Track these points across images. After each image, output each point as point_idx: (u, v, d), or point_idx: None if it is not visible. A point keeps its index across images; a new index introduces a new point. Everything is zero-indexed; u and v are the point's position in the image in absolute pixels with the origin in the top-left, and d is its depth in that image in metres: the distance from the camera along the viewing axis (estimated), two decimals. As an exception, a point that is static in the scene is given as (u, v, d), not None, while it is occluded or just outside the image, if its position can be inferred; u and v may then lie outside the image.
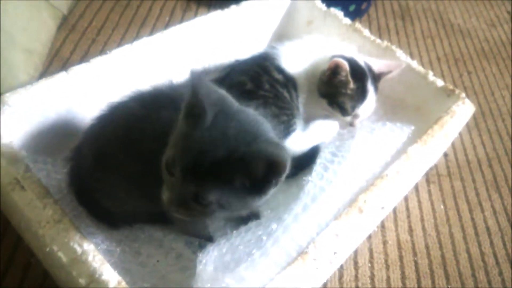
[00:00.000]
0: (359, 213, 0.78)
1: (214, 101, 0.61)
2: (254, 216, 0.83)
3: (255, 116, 0.67)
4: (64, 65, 1.26)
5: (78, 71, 0.92)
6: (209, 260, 0.67)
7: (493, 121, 1.42)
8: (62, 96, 0.90)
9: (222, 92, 0.65)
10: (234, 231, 0.73)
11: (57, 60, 1.27)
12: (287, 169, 0.59)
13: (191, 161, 0.58)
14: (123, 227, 0.86)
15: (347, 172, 0.83)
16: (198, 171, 0.58)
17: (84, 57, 1.30)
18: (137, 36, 1.40)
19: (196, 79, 0.59)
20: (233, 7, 1.17)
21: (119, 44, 1.31)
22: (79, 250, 0.66)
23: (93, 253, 0.66)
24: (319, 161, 0.84)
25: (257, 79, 1.02)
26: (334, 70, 1.02)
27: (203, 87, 0.59)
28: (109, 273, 0.64)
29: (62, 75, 0.90)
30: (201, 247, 0.81)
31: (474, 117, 1.37)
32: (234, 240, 0.71)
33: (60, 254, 0.66)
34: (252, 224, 0.74)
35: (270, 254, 0.68)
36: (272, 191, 0.64)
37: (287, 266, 0.68)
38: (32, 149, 0.85)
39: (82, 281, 0.64)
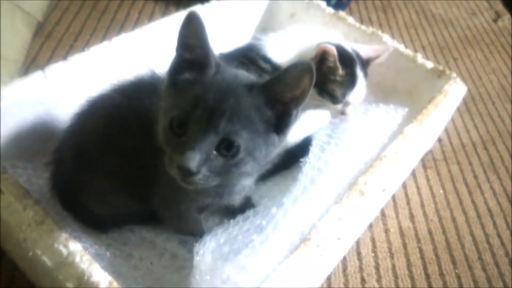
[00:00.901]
0: (360, 195, 0.74)
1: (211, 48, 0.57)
2: (249, 205, 0.79)
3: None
4: (41, 72, 1.21)
5: (55, 70, 0.87)
6: (206, 251, 0.62)
7: (484, 105, 1.41)
8: (39, 97, 0.85)
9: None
10: (232, 220, 0.68)
11: (33, 67, 1.22)
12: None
13: (210, 106, 0.53)
14: (111, 230, 0.81)
15: (344, 154, 0.80)
16: (219, 115, 0.53)
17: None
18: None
19: (194, 18, 0.54)
20: (214, 1, 1.14)
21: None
22: (64, 252, 0.60)
23: (80, 253, 0.60)
24: (315, 143, 0.80)
25: (244, 70, 0.98)
26: (321, 57, 0.99)
27: (202, 31, 0.55)
28: (99, 274, 0.59)
29: (38, 74, 0.85)
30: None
31: (465, 101, 1.35)
32: (232, 230, 0.66)
33: (45, 258, 0.60)
34: (250, 212, 0.70)
35: (271, 241, 0.63)
36: (289, 132, 0.60)
37: (290, 254, 0.63)
38: (10, 154, 0.80)
39: (69, 285, 0.59)
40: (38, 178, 0.85)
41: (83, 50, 1.29)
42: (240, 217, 0.69)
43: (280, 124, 0.59)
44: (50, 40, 1.31)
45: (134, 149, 0.68)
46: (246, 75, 0.61)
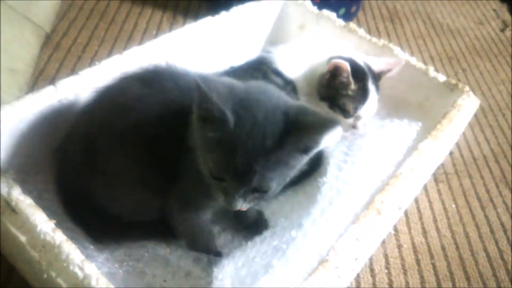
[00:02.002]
0: (377, 214, 0.73)
1: (227, 95, 0.56)
2: (263, 221, 0.78)
3: (267, 87, 0.63)
4: (50, 84, 1.20)
5: (66, 84, 0.86)
6: (225, 276, 0.61)
7: (494, 117, 1.40)
8: (51, 111, 0.84)
9: (228, 81, 0.61)
10: (249, 242, 0.67)
11: (42, 79, 1.21)
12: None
13: (240, 163, 0.56)
14: (122, 243, 0.79)
15: (361, 172, 0.79)
16: (251, 176, 0.56)
17: (71, 75, 1.24)
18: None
19: (203, 82, 0.54)
20: (224, 13, 1.13)
21: (107, 60, 1.26)
22: (80, 274, 0.59)
23: (96, 276, 0.59)
24: (332, 161, 0.79)
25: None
26: (333, 72, 0.98)
27: (212, 88, 0.55)
28: (115, 297, 0.58)
29: (49, 89, 0.84)
30: (211, 263, 0.75)
31: (475, 113, 1.33)
32: (250, 252, 0.65)
33: (60, 280, 0.59)
34: (267, 233, 0.68)
35: (290, 264, 0.62)
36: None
37: (309, 277, 0.62)
38: (20, 168, 0.79)
39: (85, 308, 0.58)
40: (49, 192, 0.83)
41: (91, 61, 1.31)
42: (257, 238, 0.67)
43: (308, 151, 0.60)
44: (58, 52, 1.30)
45: (155, 142, 0.67)
46: (263, 106, 0.59)
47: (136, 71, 0.76)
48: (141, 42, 1.40)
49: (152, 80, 0.71)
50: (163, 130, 0.65)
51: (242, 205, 0.59)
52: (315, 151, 0.61)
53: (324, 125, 0.56)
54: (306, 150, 0.59)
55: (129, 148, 0.68)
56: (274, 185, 0.59)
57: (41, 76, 1.22)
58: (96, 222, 0.77)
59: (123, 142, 0.68)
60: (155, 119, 0.66)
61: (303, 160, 0.61)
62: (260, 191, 0.59)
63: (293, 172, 0.61)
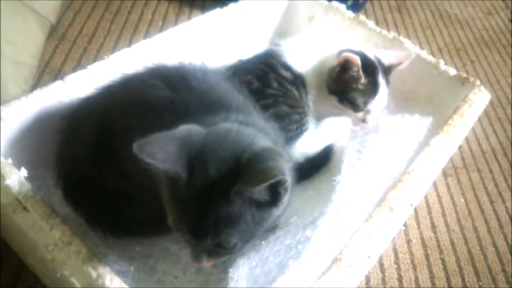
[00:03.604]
0: (390, 212, 0.72)
1: (179, 151, 0.53)
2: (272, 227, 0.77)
3: (230, 132, 0.58)
4: (56, 76, 1.19)
5: (74, 79, 0.85)
6: (240, 276, 0.61)
7: (502, 109, 1.39)
8: (59, 106, 0.84)
9: (183, 133, 0.56)
10: (263, 242, 0.66)
11: (48, 71, 1.20)
12: (286, 176, 0.53)
13: (193, 220, 0.54)
14: (131, 236, 0.78)
15: (374, 169, 0.78)
16: (206, 226, 0.54)
17: (77, 67, 1.23)
18: (131, 43, 1.33)
19: (140, 148, 0.51)
20: (232, 5, 1.12)
21: (113, 52, 1.24)
22: (94, 274, 0.59)
23: (110, 275, 0.59)
24: (346, 159, 0.79)
25: (264, 78, 0.96)
26: (344, 66, 0.97)
27: (155, 151, 0.51)
28: (129, 297, 0.58)
29: (58, 84, 0.84)
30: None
31: (484, 106, 1.33)
32: (264, 251, 0.65)
33: (73, 279, 0.59)
34: (280, 232, 0.68)
35: (305, 263, 0.62)
36: (286, 198, 0.58)
37: (322, 275, 0.62)
38: (29, 164, 0.78)
39: (99, 307, 0.58)
40: (58, 188, 0.83)
41: (97, 52, 1.29)
42: (271, 238, 0.67)
43: (272, 200, 0.57)
44: (64, 43, 1.29)
45: None
46: (217, 156, 0.55)
47: (164, 66, 0.73)
48: (147, 33, 1.39)
49: (176, 84, 0.68)
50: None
51: (206, 260, 0.57)
52: (281, 200, 0.57)
53: (263, 178, 0.51)
54: (259, 204, 0.55)
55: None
56: (236, 242, 0.56)
57: (47, 68, 1.21)
58: (102, 214, 0.77)
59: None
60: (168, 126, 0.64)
61: (271, 211, 0.57)
62: (224, 248, 0.56)
63: (260, 227, 0.57)
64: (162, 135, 0.54)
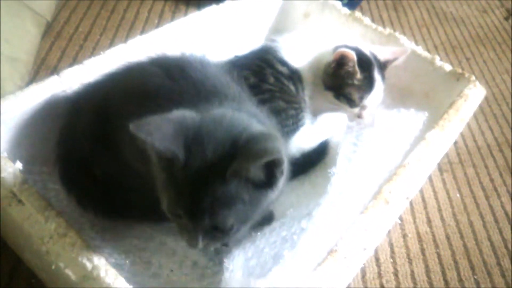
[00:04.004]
0: (386, 204, 0.73)
1: (175, 132, 0.54)
2: (271, 217, 0.77)
3: (224, 116, 0.59)
4: (52, 73, 1.17)
5: (70, 74, 0.85)
6: (236, 267, 0.61)
7: (498, 106, 1.40)
8: (55, 101, 0.84)
9: (177, 116, 0.57)
10: (259, 233, 0.67)
11: (44, 68, 1.20)
12: (284, 157, 0.54)
13: (189, 202, 0.54)
14: (122, 219, 0.79)
15: (369, 162, 0.78)
16: (203, 207, 0.54)
17: (73, 64, 1.22)
18: (127, 40, 1.32)
19: (137, 128, 0.51)
20: (228, 1, 1.12)
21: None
22: (89, 265, 0.59)
23: (105, 267, 0.59)
24: (341, 152, 0.79)
25: (261, 73, 0.97)
26: (339, 61, 0.98)
27: (152, 131, 0.52)
28: (124, 288, 0.58)
29: (53, 79, 0.84)
30: (218, 253, 0.75)
31: (479, 102, 1.34)
32: (259, 242, 0.65)
33: (68, 271, 0.59)
34: (276, 224, 0.68)
35: (300, 254, 0.62)
36: (282, 181, 0.59)
37: (318, 267, 0.62)
38: (25, 159, 0.78)
39: (94, 299, 0.58)
40: (55, 183, 0.83)
41: (93, 50, 1.29)
42: (266, 229, 0.67)
43: (268, 182, 0.57)
44: (60, 40, 1.29)
45: None
46: (214, 139, 0.55)
47: (165, 56, 0.74)
48: (143, 31, 1.39)
49: (175, 73, 0.69)
50: None
51: (203, 245, 0.57)
52: (277, 183, 0.57)
53: (260, 155, 0.52)
54: (260, 183, 0.56)
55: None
56: (233, 224, 0.56)
57: (42, 65, 1.21)
58: (95, 196, 0.77)
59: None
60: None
61: (267, 194, 0.58)
62: (221, 230, 0.56)
63: (257, 209, 0.58)
64: (158, 117, 0.54)
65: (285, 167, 0.56)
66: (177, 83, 0.67)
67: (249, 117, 0.61)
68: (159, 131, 0.52)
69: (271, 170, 0.55)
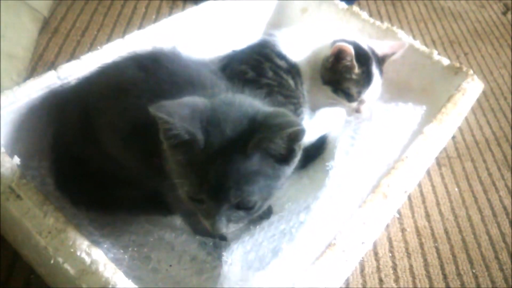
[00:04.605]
0: (384, 198, 0.73)
1: (191, 115, 0.54)
2: (269, 211, 0.77)
3: (234, 98, 0.61)
4: (49, 69, 1.18)
5: (67, 69, 0.85)
6: (235, 260, 0.61)
7: (496, 100, 1.40)
8: (52, 96, 0.83)
9: (190, 101, 0.58)
10: (258, 227, 0.67)
11: (41, 64, 1.20)
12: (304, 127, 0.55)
13: (213, 182, 0.54)
14: (113, 212, 0.79)
15: (367, 156, 0.78)
16: (227, 190, 0.54)
17: (70, 60, 1.22)
18: (125, 36, 1.32)
19: (158, 109, 0.52)
20: (226, -4, 1.12)
21: (106, 45, 1.24)
22: (87, 260, 0.59)
23: (104, 261, 0.59)
24: (339, 145, 0.79)
25: (259, 67, 0.96)
26: (337, 56, 0.97)
27: (172, 113, 0.53)
28: (123, 283, 0.58)
29: (51, 74, 0.83)
30: (216, 247, 0.75)
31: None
32: (258, 236, 0.65)
33: (67, 266, 0.59)
34: (274, 217, 0.68)
35: (299, 248, 0.62)
36: (297, 158, 0.60)
37: (316, 260, 0.62)
38: (23, 154, 0.78)
39: (93, 293, 0.58)
40: (52, 177, 0.83)
41: (90, 45, 1.29)
42: (265, 223, 0.67)
43: (286, 158, 0.58)
44: (57, 36, 1.28)
45: (143, 128, 0.62)
46: (231, 118, 0.57)
47: (136, 52, 0.75)
48: (140, 26, 1.38)
49: (148, 64, 0.70)
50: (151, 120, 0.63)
51: (226, 227, 0.57)
52: (294, 158, 0.58)
53: (283, 127, 0.53)
54: (280, 157, 0.57)
55: (121, 131, 0.67)
56: (257, 200, 0.57)
57: (40, 61, 1.21)
58: (88, 189, 0.77)
59: (117, 123, 0.68)
60: (145, 105, 0.64)
61: (285, 169, 0.59)
62: (244, 209, 0.57)
63: (277, 183, 0.59)
64: (173, 102, 0.55)
65: (303, 140, 0.57)
66: (152, 75, 0.68)
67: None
68: (178, 113, 0.53)
69: (291, 144, 0.56)
